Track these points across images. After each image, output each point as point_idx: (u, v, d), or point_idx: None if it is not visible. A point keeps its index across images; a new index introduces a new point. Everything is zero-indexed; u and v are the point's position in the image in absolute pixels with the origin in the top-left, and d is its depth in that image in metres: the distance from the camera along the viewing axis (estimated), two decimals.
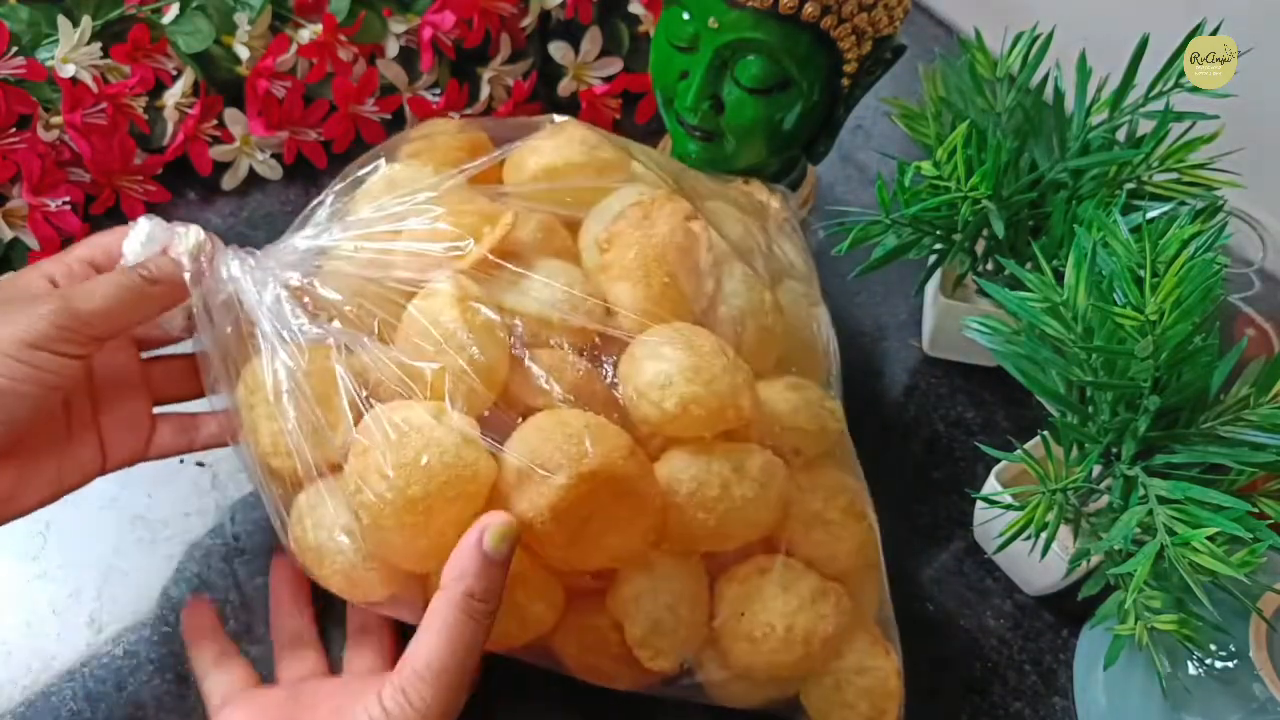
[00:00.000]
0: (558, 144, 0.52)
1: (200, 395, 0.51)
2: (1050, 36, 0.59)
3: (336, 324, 0.47)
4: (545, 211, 0.51)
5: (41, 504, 0.48)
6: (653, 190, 0.51)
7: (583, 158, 0.52)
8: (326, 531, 0.47)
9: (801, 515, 0.49)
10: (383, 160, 0.52)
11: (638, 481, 0.45)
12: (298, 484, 0.47)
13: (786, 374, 0.52)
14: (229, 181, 0.73)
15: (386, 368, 0.45)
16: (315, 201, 0.51)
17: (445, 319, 0.45)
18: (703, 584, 0.48)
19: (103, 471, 0.50)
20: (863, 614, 0.51)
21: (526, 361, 0.46)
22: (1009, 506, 0.52)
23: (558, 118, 0.54)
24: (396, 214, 0.49)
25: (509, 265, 0.48)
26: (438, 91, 0.74)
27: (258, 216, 0.72)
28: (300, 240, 0.49)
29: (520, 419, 0.45)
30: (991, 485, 0.57)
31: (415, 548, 0.45)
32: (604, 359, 0.47)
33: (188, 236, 0.48)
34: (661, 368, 0.45)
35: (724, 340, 0.48)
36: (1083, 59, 0.59)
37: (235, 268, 0.48)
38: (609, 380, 0.47)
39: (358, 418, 0.45)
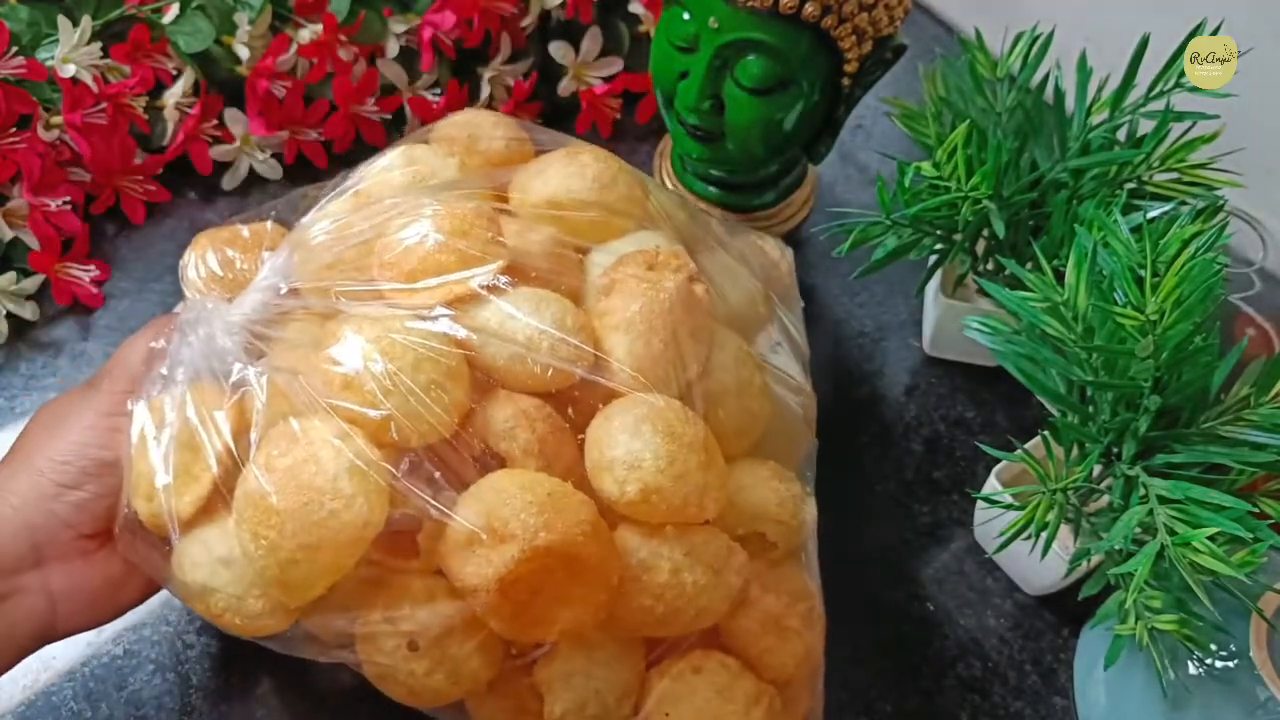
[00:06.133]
0: (567, 174, 0.50)
1: None
2: (1050, 36, 0.59)
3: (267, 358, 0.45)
4: (551, 234, 0.49)
5: (145, 595, 0.48)
6: (664, 242, 0.49)
7: (591, 195, 0.49)
8: (207, 569, 0.44)
9: (758, 615, 0.46)
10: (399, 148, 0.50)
11: (596, 559, 0.42)
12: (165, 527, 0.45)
13: (769, 459, 0.49)
14: (229, 181, 0.73)
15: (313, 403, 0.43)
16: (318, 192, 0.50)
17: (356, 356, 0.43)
18: (637, 673, 0.46)
19: None
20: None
21: (493, 403, 0.44)
22: (1009, 506, 0.52)
23: (576, 143, 0.52)
24: (371, 225, 0.46)
25: (492, 296, 0.45)
26: (438, 91, 0.74)
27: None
28: (255, 288, 0.47)
29: (475, 462, 0.43)
30: (992, 485, 0.57)
31: (298, 578, 0.42)
32: (574, 409, 0.44)
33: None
34: (635, 447, 0.42)
35: (698, 416, 0.45)
36: (1083, 59, 0.59)
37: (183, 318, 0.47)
38: (579, 437, 0.44)
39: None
